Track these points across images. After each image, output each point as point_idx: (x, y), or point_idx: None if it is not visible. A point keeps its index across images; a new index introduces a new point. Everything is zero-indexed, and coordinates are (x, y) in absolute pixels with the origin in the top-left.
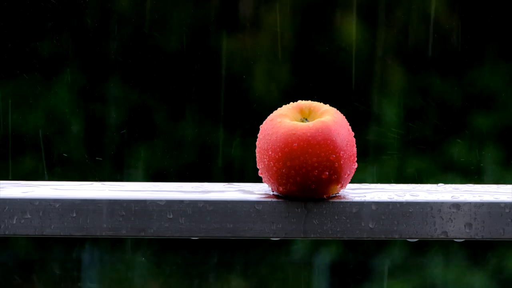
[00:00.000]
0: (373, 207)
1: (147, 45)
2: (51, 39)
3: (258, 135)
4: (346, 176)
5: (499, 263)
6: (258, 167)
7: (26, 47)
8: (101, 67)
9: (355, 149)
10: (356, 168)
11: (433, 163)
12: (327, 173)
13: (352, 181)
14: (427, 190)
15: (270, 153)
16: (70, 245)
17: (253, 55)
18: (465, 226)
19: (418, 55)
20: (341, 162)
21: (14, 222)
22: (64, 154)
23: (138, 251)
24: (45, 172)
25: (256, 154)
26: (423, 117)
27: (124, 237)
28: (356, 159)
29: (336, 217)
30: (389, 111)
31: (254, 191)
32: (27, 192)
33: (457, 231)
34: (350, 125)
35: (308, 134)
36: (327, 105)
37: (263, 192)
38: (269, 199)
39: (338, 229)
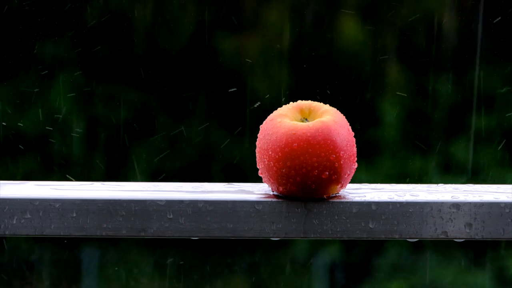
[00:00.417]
0: (373, 207)
1: (147, 45)
2: (51, 39)
3: (258, 135)
4: (346, 176)
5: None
6: (258, 167)
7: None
8: (101, 67)
9: (355, 149)
10: (356, 168)
11: (433, 163)
12: (327, 173)
13: (352, 181)
14: (427, 190)
15: (270, 153)
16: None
17: (253, 55)
18: (465, 226)
19: (418, 55)
20: (341, 162)
21: (14, 222)
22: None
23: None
24: (45, 172)
25: (256, 154)
26: (423, 117)
27: (124, 237)
28: (356, 159)
29: (336, 217)
30: (389, 111)
31: (254, 191)
32: (27, 192)
33: (457, 231)
34: (350, 125)
35: (308, 134)
36: (327, 105)
37: (263, 192)
38: (269, 199)
39: (338, 229)
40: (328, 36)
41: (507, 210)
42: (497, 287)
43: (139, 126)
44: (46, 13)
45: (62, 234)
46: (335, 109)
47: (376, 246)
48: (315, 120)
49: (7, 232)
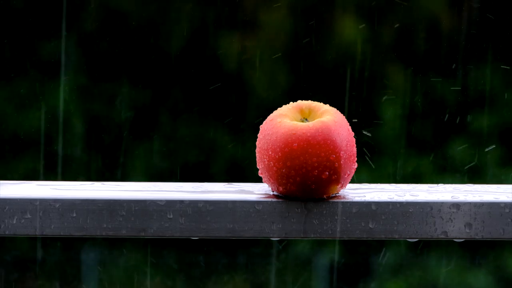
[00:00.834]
0: (373, 207)
1: (148, 45)
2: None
3: (258, 135)
4: (346, 176)
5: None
6: (258, 167)
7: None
8: (102, 67)
9: (355, 149)
10: (356, 168)
11: (433, 163)
12: (327, 173)
13: (352, 181)
14: (427, 190)
15: (270, 153)
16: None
17: (253, 55)
18: (465, 226)
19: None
20: (341, 162)
21: (14, 222)
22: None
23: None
24: (45, 172)
25: (256, 154)
26: (423, 117)
27: (124, 237)
28: (356, 159)
29: (336, 217)
30: (389, 111)
31: (254, 191)
32: (27, 192)
33: (457, 231)
34: (350, 125)
35: (308, 134)
36: (327, 105)
37: (263, 192)
38: (269, 199)
39: (338, 229)
40: (328, 36)
41: (507, 210)
42: (496, 287)
43: (139, 126)
44: (46, 13)
45: (62, 234)
46: (335, 109)
47: (376, 246)
48: (315, 120)
49: (7, 232)
